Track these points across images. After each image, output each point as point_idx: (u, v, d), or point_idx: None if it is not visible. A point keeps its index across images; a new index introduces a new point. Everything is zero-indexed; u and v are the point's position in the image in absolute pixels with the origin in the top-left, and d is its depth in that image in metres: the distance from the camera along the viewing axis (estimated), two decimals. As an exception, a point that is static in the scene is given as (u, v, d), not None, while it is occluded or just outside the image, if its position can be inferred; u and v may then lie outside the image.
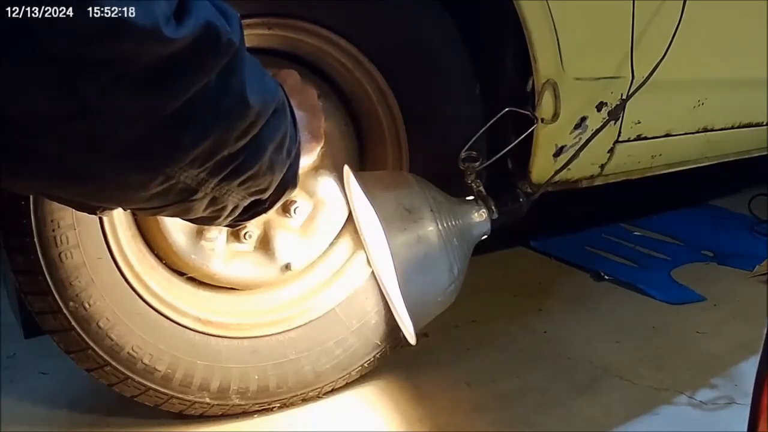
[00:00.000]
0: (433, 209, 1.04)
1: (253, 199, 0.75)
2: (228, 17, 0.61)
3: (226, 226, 0.82)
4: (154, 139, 0.59)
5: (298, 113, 0.82)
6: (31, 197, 0.90)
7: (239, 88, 0.63)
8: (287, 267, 1.12)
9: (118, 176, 0.61)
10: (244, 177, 0.70)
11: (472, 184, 1.12)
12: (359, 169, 1.18)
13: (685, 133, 1.39)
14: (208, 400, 1.05)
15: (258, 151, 0.69)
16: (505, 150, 1.13)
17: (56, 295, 0.93)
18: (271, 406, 1.11)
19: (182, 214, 0.72)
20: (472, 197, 1.12)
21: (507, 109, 1.10)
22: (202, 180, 0.66)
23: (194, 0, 0.57)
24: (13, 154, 0.57)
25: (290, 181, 0.79)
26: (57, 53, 0.51)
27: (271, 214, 1.09)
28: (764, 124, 1.55)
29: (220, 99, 0.62)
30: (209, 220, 0.76)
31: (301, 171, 0.84)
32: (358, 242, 1.17)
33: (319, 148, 0.94)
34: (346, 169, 1.11)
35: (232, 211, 0.75)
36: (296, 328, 1.13)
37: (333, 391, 1.16)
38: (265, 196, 0.76)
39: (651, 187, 1.75)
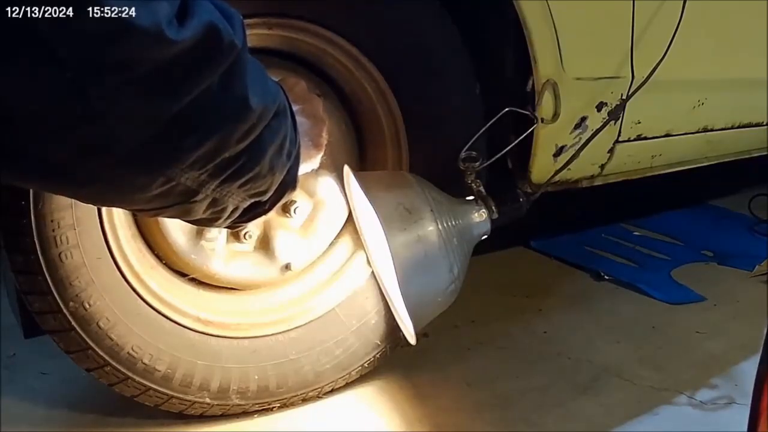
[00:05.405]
0: (433, 209, 1.04)
1: (253, 200, 0.75)
2: (230, 19, 0.61)
3: (225, 227, 0.83)
4: (156, 142, 0.59)
5: (300, 120, 0.82)
6: (31, 197, 0.90)
7: (241, 90, 0.63)
8: (287, 267, 1.12)
9: (119, 179, 0.61)
10: (244, 179, 0.70)
11: (472, 184, 1.12)
12: (359, 169, 1.18)
13: (685, 133, 1.39)
14: (208, 400, 1.05)
15: (258, 153, 0.69)
16: (505, 150, 1.13)
17: (56, 295, 0.93)
18: (271, 406, 1.11)
19: (182, 215, 0.73)
20: (472, 197, 1.12)
21: (507, 109, 1.10)
22: (203, 182, 0.66)
23: (196, 1, 0.57)
24: (16, 155, 0.57)
25: (290, 183, 0.80)
26: (64, 56, 0.51)
27: (271, 214, 1.09)
28: (764, 124, 1.55)
29: (222, 101, 0.62)
30: (209, 222, 0.76)
31: (300, 176, 0.84)
32: (358, 242, 1.17)
33: (319, 157, 0.94)
34: (346, 169, 1.11)
35: (232, 212, 0.75)
36: (296, 328, 1.12)
37: (333, 391, 1.16)
38: (265, 197, 0.77)
39: (651, 187, 1.75)
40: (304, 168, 0.88)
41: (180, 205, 0.68)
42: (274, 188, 0.76)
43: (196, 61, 0.57)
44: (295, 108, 0.81)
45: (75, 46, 0.51)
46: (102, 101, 0.54)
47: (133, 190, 0.63)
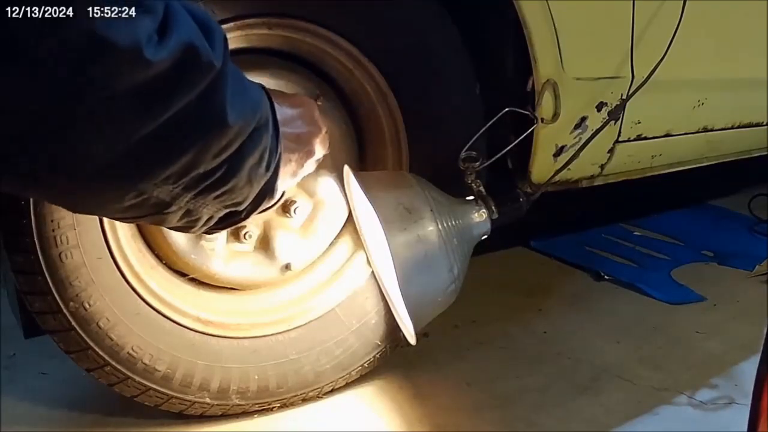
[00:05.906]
0: (433, 209, 1.04)
1: (228, 210, 0.75)
2: (210, 33, 0.60)
3: (202, 233, 0.82)
4: (128, 159, 0.59)
5: (290, 134, 0.83)
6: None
7: (219, 108, 0.63)
8: (287, 267, 1.12)
9: (91, 192, 0.62)
10: (220, 191, 0.70)
11: (472, 184, 1.12)
12: (359, 169, 1.18)
13: (685, 133, 1.39)
14: (208, 400, 1.05)
15: (236, 166, 0.69)
16: (505, 150, 1.13)
17: (56, 295, 0.93)
18: (271, 406, 1.11)
19: (157, 224, 0.74)
20: (472, 197, 1.12)
21: (507, 109, 1.10)
22: (177, 195, 0.66)
23: (176, 17, 0.56)
24: None
25: (267, 193, 0.79)
26: (48, 71, 0.51)
27: (272, 214, 1.10)
28: (764, 124, 1.55)
29: (199, 119, 0.61)
30: (184, 229, 0.76)
31: (280, 187, 0.83)
32: (358, 242, 1.17)
33: (296, 180, 0.91)
34: (346, 169, 1.11)
35: (207, 221, 0.75)
36: (296, 328, 1.12)
37: (333, 391, 1.16)
38: (241, 207, 0.76)
39: (651, 187, 1.75)
40: (285, 184, 0.86)
41: (153, 215, 0.68)
42: (251, 199, 0.76)
43: (172, 81, 0.57)
44: (296, 130, 0.81)
45: (58, 61, 0.51)
46: (80, 118, 0.54)
47: (106, 202, 0.64)
